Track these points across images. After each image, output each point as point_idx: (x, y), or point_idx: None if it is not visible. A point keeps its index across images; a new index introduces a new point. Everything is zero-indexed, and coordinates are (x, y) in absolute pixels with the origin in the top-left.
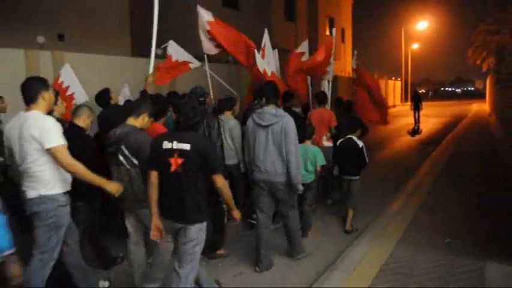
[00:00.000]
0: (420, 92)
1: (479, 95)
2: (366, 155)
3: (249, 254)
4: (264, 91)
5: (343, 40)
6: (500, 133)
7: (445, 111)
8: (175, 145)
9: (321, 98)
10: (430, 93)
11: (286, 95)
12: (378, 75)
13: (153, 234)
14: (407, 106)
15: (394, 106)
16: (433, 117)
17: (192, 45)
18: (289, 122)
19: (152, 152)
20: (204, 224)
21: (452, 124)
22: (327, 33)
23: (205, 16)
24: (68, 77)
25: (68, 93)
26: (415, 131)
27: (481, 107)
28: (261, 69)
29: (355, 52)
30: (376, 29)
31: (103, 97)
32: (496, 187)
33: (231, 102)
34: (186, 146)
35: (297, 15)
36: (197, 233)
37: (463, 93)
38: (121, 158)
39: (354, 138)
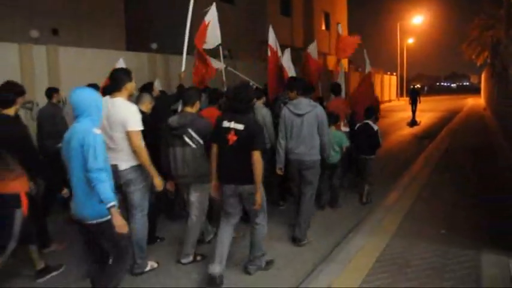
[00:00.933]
0: (416, 86)
1: (474, 90)
2: (380, 137)
3: (238, 250)
4: (297, 85)
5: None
6: (495, 126)
7: (440, 106)
8: (233, 125)
9: (336, 89)
10: (425, 88)
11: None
12: (374, 70)
13: (213, 193)
14: (403, 101)
15: (390, 101)
16: (428, 111)
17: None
18: (322, 111)
19: (215, 128)
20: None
21: (447, 118)
22: (323, 27)
23: (209, 13)
24: None
25: None
26: (413, 123)
27: (476, 102)
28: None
29: (365, 51)
30: (371, 24)
31: (147, 90)
32: (490, 180)
33: (260, 93)
34: (241, 127)
35: (293, 10)
36: (255, 191)
37: (458, 88)
38: (187, 139)
39: (370, 123)
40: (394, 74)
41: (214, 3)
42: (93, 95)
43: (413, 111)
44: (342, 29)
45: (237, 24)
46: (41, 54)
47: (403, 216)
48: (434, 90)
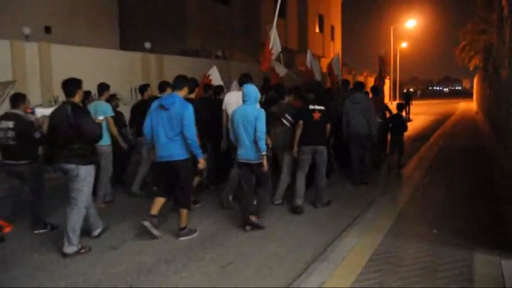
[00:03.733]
0: (409, 90)
1: (466, 94)
2: (407, 124)
3: (239, 243)
4: (354, 85)
5: (332, 38)
6: (487, 129)
7: (433, 109)
8: (316, 107)
9: (375, 90)
10: (418, 92)
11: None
12: (367, 73)
13: (294, 153)
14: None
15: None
16: (421, 114)
17: (178, 41)
18: (370, 102)
19: (302, 110)
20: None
21: (440, 121)
22: (317, 30)
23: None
24: (214, 75)
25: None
26: (407, 119)
27: (468, 106)
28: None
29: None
30: (365, 27)
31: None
32: (482, 181)
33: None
34: (322, 108)
35: (287, 11)
36: (326, 151)
37: (451, 92)
38: (284, 121)
39: (401, 114)
40: (388, 77)
41: (274, 21)
42: (256, 89)
43: (407, 112)
44: (336, 32)
45: (232, 25)
46: (33, 52)
47: (396, 215)
48: (427, 94)
